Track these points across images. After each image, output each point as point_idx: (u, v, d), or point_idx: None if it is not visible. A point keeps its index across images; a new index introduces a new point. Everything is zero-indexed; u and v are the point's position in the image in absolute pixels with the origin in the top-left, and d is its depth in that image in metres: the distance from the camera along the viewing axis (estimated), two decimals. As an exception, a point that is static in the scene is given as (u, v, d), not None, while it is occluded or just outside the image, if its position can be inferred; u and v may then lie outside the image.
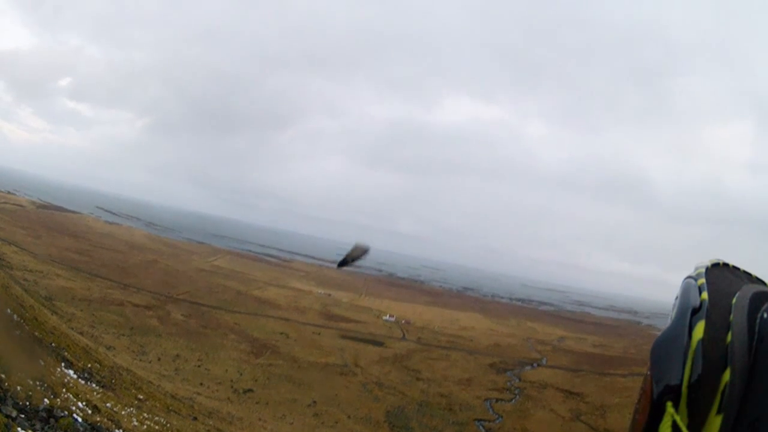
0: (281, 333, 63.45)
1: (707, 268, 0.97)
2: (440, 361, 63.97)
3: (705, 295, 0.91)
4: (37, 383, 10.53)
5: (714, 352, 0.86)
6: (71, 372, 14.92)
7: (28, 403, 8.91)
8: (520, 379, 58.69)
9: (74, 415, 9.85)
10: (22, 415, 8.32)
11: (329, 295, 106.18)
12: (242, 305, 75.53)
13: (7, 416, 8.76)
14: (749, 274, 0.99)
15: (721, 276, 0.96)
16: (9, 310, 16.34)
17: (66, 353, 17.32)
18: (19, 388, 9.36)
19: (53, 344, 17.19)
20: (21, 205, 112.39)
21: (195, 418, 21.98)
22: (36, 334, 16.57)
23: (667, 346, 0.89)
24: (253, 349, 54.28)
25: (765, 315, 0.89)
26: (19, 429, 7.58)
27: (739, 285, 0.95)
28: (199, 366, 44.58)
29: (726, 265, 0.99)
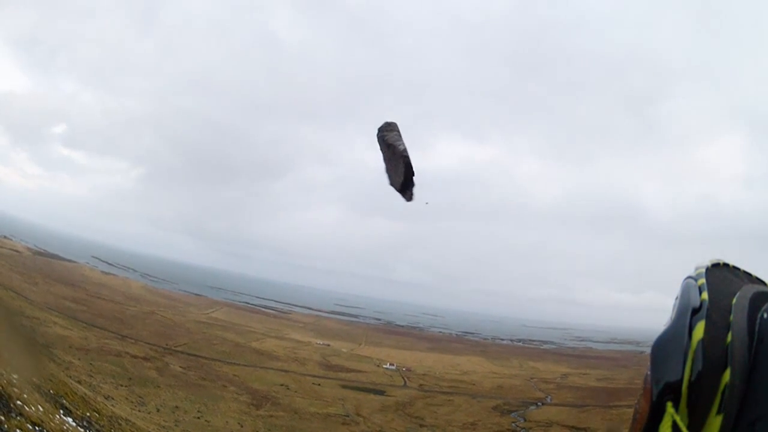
0: (281, 384, 62.66)
1: (707, 268, 0.98)
2: (443, 406, 63.16)
3: (705, 295, 0.92)
4: (37, 429, 10.77)
5: (714, 352, 0.87)
6: (70, 420, 14.99)
7: None
8: (525, 420, 57.97)
9: None
10: None
11: (328, 345, 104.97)
12: (241, 357, 74.66)
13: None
14: (749, 274, 1.00)
15: (721, 276, 0.97)
16: (6, 354, 16.38)
17: (64, 401, 17.37)
18: (18, 431, 9.70)
19: (51, 391, 17.20)
20: (17, 251, 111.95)
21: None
22: (35, 380, 16.59)
23: (667, 346, 0.91)
24: (254, 401, 53.50)
25: (765, 315, 0.90)
26: None
27: (739, 285, 0.96)
28: (199, 417, 43.91)
29: (726, 265, 1.00)
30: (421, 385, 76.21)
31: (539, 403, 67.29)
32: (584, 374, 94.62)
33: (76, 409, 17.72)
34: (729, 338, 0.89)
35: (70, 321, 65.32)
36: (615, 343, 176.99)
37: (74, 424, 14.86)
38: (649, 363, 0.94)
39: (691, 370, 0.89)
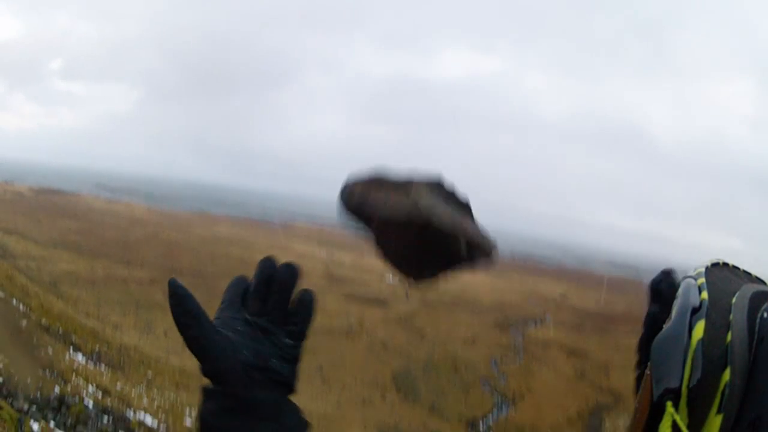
0: (286, 298, 63.71)
1: (707, 268, 0.98)
2: (444, 319, 64.57)
3: (705, 294, 0.91)
4: (47, 372, 10.24)
5: (714, 352, 0.85)
6: (80, 356, 14.76)
7: (39, 394, 8.76)
8: (523, 337, 59.38)
9: (85, 400, 9.61)
10: (34, 407, 8.06)
11: (332, 256, 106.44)
12: (245, 271, 74.98)
13: (19, 410, 8.47)
14: (749, 274, 1.00)
15: (721, 275, 0.97)
16: (15, 301, 16.01)
17: (74, 338, 17.13)
18: (29, 379, 9.09)
19: (61, 330, 16.95)
20: (20, 193, 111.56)
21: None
22: (43, 321, 16.31)
23: (667, 345, 0.88)
24: (259, 317, 54.46)
25: (765, 314, 0.88)
26: (32, 421, 7.27)
27: (739, 284, 0.94)
28: None
29: (726, 264, 1.01)
30: (423, 297, 77.56)
31: (538, 322, 68.83)
32: (583, 295, 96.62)
33: (86, 344, 17.29)
34: (729, 338, 0.87)
35: (76, 254, 65.09)
36: (615, 266, 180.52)
37: (84, 359, 14.42)
38: (649, 362, 0.91)
39: (691, 370, 0.86)
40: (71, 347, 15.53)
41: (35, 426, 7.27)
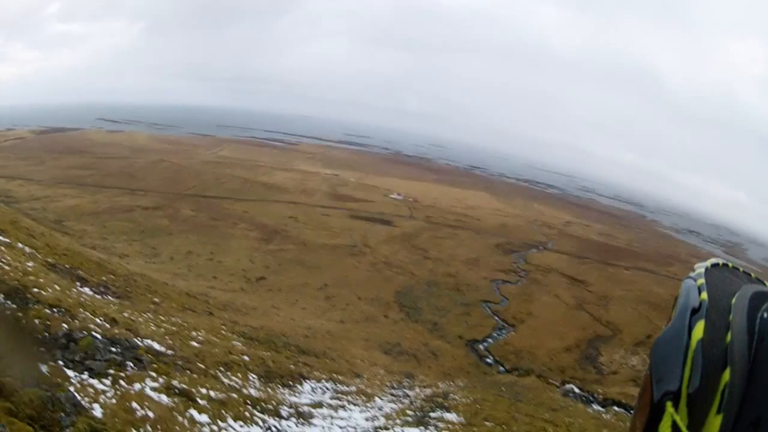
0: (290, 217, 63.60)
1: (707, 268, 0.99)
2: (448, 240, 64.77)
3: (705, 295, 0.92)
4: (54, 310, 9.87)
5: (714, 352, 0.85)
6: (87, 289, 14.47)
7: (47, 334, 8.40)
8: (525, 261, 59.76)
9: (93, 333, 9.37)
10: (42, 348, 7.81)
11: (336, 175, 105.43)
12: (250, 192, 75.13)
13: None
14: (749, 274, 1.02)
15: (721, 276, 0.98)
16: (20, 245, 15.64)
17: (80, 271, 16.83)
18: (36, 321, 8.81)
19: (67, 266, 16.64)
20: (21, 137, 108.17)
21: (210, 313, 21.99)
22: (49, 260, 15.92)
23: (667, 346, 0.88)
24: (264, 236, 54.61)
25: (765, 315, 0.88)
26: (38, 364, 7.01)
27: (738, 285, 0.96)
28: (211, 259, 44.90)
29: (726, 265, 1.02)
30: (426, 216, 77.58)
31: (540, 247, 69.11)
32: (586, 225, 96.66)
33: (92, 277, 17.09)
34: (729, 338, 0.87)
35: (80, 189, 64.20)
36: (619, 200, 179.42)
37: (91, 292, 14.29)
38: (648, 362, 0.91)
39: (691, 370, 0.86)
40: (78, 281, 15.24)
41: (43, 368, 6.85)
